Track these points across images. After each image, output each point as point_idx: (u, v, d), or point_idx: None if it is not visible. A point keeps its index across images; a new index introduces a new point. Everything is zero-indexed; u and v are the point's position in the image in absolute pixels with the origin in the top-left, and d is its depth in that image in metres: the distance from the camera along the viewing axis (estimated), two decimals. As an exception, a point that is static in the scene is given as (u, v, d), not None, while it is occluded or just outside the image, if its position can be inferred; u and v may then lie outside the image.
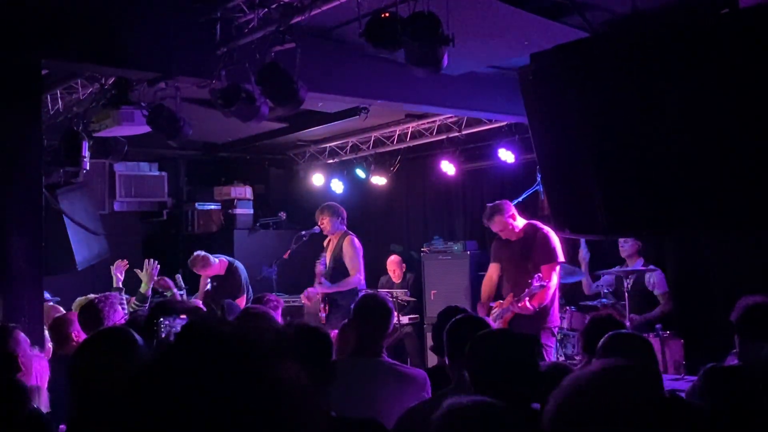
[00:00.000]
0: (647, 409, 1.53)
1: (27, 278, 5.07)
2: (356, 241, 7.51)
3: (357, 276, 7.37)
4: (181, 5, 5.52)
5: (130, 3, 5.54)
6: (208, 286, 8.10)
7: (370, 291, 7.25)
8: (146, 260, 6.09)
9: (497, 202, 6.87)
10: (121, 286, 5.83)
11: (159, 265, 6.25)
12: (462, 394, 3.02)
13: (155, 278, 6.33)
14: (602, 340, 3.35)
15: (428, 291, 9.50)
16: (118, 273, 6.03)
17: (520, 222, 6.72)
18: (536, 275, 6.32)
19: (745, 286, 6.25)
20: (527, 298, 6.31)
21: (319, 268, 7.48)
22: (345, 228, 7.64)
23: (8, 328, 3.76)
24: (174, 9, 5.53)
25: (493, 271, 6.95)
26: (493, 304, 6.76)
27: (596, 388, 1.55)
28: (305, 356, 2.67)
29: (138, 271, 6.19)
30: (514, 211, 6.74)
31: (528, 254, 6.55)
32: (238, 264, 8.05)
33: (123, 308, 5.27)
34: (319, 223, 7.66)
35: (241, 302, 7.42)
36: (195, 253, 7.88)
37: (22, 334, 3.69)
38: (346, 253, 7.44)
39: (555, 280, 6.55)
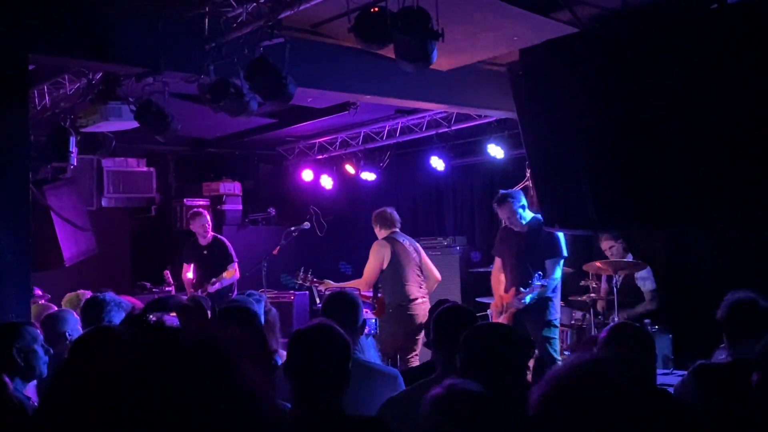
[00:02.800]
0: (624, 403, 1.54)
1: (14, 274, 5.03)
2: (376, 246, 7.29)
3: (362, 279, 7.22)
4: (169, 0, 5.49)
5: (118, -3, 5.51)
6: (190, 273, 8.57)
7: (337, 290, 7.17)
8: None
9: (511, 189, 6.85)
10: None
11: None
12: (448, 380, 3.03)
13: None
14: (604, 331, 3.34)
15: (418, 287, 9.49)
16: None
17: (528, 215, 6.69)
18: (536, 274, 6.33)
19: (733, 281, 6.27)
20: (529, 296, 6.34)
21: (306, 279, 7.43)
22: (394, 229, 7.40)
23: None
24: (162, 3, 5.49)
25: (497, 267, 6.94)
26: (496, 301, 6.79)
27: (575, 381, 1.55)
28: (323, 358, 2.66)
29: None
30: (525, 202, 6.70)
31: (532, 248, 6.51)
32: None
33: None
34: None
35: (235, 268, 8.31)
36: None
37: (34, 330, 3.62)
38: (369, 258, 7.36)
39: (558, 273, 6.56)
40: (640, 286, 7.48)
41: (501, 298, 6.74)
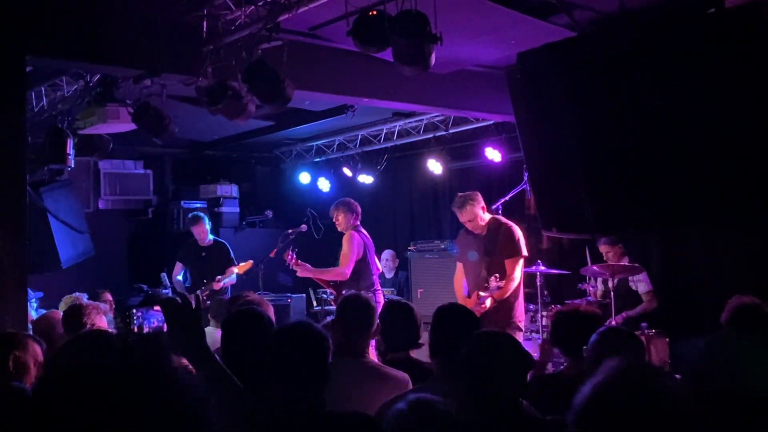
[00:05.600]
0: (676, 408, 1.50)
1: (11, 277, 5.01)
2: (356, 236, 7.30)
3: (341, 269, 7.23)
4: (167, 2, 5.49)
5: (116, 0, 5.50)
6: (180, 276, 8.59)
7: (353, 290, 7.18)
8: None
9: (469, 192, 6.74)
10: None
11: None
12: (444, 385, 3.02)
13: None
14: (592, 337, 3.34)
15: (415, 290, 9.50)
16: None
17: (486, 216, 6.66)
18: (493, 276, 6.26)
19: (729, 284, 6.28)
20: (488, 300, 6.24)
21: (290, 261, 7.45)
22: (357, 224, 7.45)
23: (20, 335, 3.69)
24: (160, 6, 5.49)
25: (459, 272, 6.85)
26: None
27: (625, 390, 1.51)
28: (302, 356, 2.70)
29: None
30: (483, 203, 6.66)
31: (492, 249, 6.44)
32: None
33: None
34: (334, 220, 7.54)
35: (232, 271, 8.31)
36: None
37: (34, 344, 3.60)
38: (343, 248, 7.35)
39: (518, 273, 6.44)
40: (635, 289, 7.49)
41: (464, 302, 6.67)
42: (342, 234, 7.45)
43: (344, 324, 3.89)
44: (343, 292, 7.19)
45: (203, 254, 8.54)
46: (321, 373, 2.73)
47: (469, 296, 6.61)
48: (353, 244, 7.25)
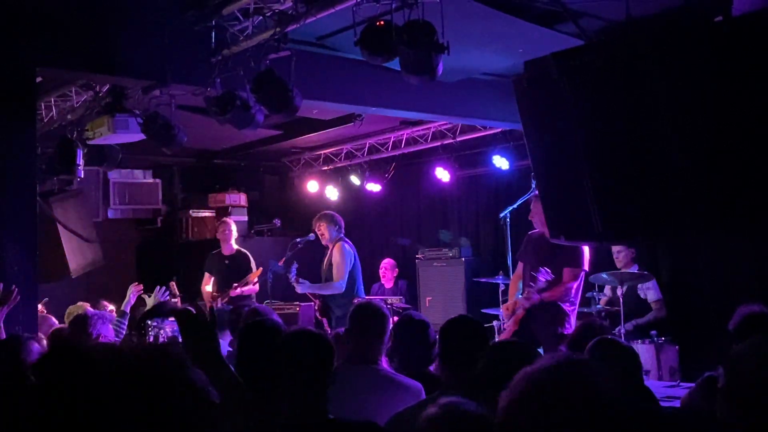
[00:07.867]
0: (595, 406, 1.48)
1: (21, 286, 5.04)
2: (346, 246, 7.53)
3: (339, 282, 7.42)
4: (175, 13, 5.52)
5: (125, 11, 5.54)
6: (209, 287, 8.64)
7: (365, 298, 7.26)
8: (157, 287, 5.98)
9: None
10: (127, 310, 5.72)
11: (168, 292, 6.13)
12: (453, 396, 3.03)
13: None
14: (588, 345, 3.34)
15: (423, 298, 9.50)
16: (132, 297, 5.92)
17: None
18: (543, 269, 6.09)
19: (737, 292, 6.26)
20: (535, 293, 6.13)
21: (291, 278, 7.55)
22: (342, 236, 7.65)
23: (22, 338, 3.72)
24: (169, 17, 5.53)
25: (518, 272, 6.79)
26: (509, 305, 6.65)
27: (548, 382, 1.51)
28: (307, 362, 2.71)
29: (146, 296, 6.10)
30: None
31: (554, 254, 6.28)
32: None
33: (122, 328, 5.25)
34: (316, 231, 7.67)
35: (255, 281, 8.34)
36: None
37: (37, 345, 3.63)
38: (335, 260, 7.50)
39: (574, 284, 6.31)
40: (644, 297, 7.47)
41: (515, 302, 6.60)
42: (326, 246, 7.67)
43: (357, 331, 3.88)
44: (333, 304, 7.39)
45: (226, 262, 8.64)
46: (321, 379, 2.74)
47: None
48: (345, 255, 7.48)
